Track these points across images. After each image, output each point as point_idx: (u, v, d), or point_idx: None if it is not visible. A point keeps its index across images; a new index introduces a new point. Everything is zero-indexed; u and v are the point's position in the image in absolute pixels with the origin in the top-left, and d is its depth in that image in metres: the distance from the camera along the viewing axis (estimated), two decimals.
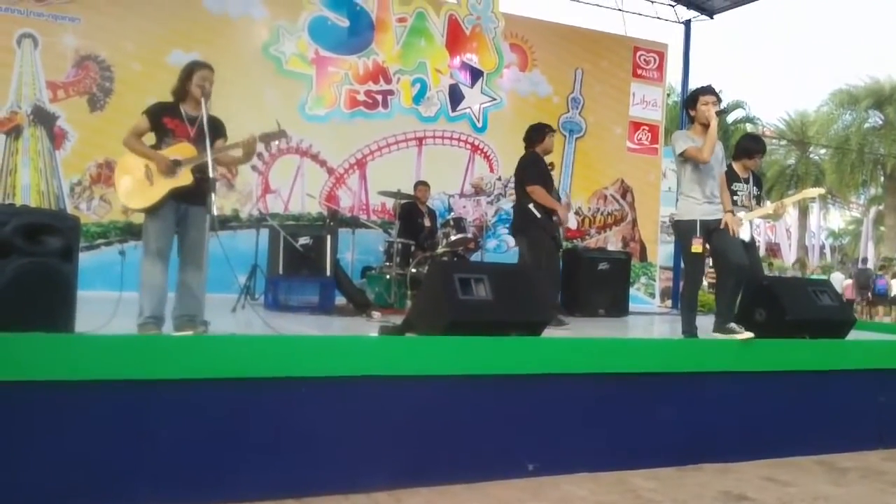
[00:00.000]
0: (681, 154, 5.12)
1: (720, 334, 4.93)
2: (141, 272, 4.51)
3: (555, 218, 6.51)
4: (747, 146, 6.11)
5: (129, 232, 7.59)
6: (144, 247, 4.57)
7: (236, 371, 3.47)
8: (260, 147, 8.16)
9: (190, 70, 4.59)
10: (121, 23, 7.94)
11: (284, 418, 3.58)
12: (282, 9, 8.75)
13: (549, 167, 6.91)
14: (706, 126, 5.12)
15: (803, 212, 35.05)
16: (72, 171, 7.77)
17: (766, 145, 6.54)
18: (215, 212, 4.37)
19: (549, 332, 4.59)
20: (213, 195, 4.32)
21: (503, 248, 9.81)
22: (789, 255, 35.49)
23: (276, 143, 8.29)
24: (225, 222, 8.00)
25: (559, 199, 6.71)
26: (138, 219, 4.82)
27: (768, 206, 6.05)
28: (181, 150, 4.50)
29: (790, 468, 4.60)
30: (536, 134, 6.81)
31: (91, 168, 7.80)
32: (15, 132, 7.55)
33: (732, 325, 4.93)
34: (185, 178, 4.45)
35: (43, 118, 7.66)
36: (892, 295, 20.04)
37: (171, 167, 4.44)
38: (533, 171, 6.62)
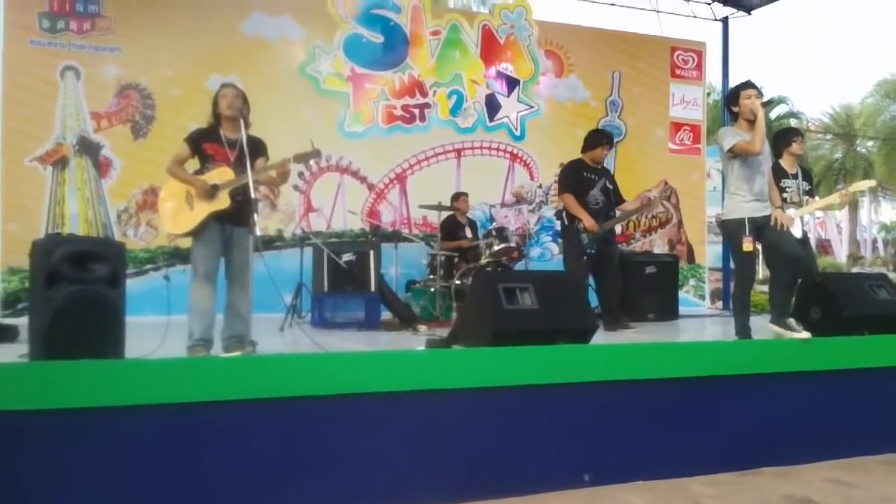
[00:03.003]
0: (730, 150, 5.00)
1: (778, 327, 4.81)
2: (190, 296, 4.57)
3: (579, 225, 6.52)
4: (783, 136, 6.10)
5: (177, 256, 7.67)
6: (192, 270, 4.64)
7: (286, 390, 3.47)
8: (300, 167, 8.33)
9: (215, 95, 4.75)
10: (160, 50, 8.06)
11: (334, 436, 3.57)
12: (317, 29, 8.81)
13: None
14: (751, 122, 5.03)
15: (853, 206, 34.29)
16: (118, 198, 7.89)
17: (801, 130, 6.54)
18: (258, 232, 4.42)
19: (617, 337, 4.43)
20: (255, 216, 4.37)
21: (547, 256, 9.73)
22: (841, 251, 34.74)
23: (313, 162, 8.35)
24: (269, 243, 8.07)
25: (601, 204, 6.69)
26: (185, 243, 4.88)
27: (832, 197, 6.02)
28: (219, 174, 4.58)
29: (854, 469, 4.46)
30: (589, 141, 6.96)
31: (136, 195, 7.92)
32: (61, 163, 7.69)
33: (791, 320, 4.81)
34: (222, 201, 4.51)
35: (88, 148, 7.80)
36: None
37: (210, 191, 4.49)
38: (564, 179, 6.91)
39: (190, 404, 3.29)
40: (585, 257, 6.54)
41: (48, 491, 3.08)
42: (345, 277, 6.99)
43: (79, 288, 3.46)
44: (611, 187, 6.88)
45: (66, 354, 3.19)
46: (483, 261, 7.44)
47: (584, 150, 6.95)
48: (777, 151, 5.99)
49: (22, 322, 4.81)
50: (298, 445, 3.50)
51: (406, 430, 3.69)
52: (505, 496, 3.76)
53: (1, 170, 7.52)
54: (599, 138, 6.96)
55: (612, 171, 7.66)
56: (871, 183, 5.96)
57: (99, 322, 3.49)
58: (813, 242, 6.17)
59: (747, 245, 4.93)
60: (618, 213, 7.00)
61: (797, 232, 5.58)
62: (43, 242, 3.64)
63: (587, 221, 6.49)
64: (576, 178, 6.75)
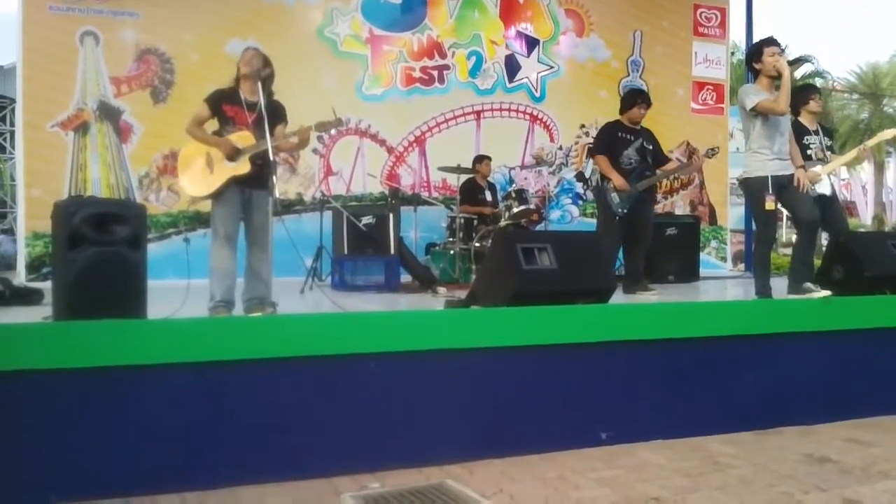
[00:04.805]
0: (752, 108, 4.93)
1: (795, 295, 4.78)
2: (210, 258, 4.61)
3: (608, 185, 6.52)
4: (800, 93, 5.99)
5: (198, 220, 7.71)
6: (213, 233, 4.68)
7: (306, 349, 3.49)
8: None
9: (239, 58, 4.78)
10: (178, 15, 8.05)
11: (356, 394, 3.59)
12: None
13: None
14: (772, 79, 4.95)
15: (879, 167, 33.75)
16: (139, 163, 7.93)
17: (819, 88, 6.44)
18: (277, 194, 4.44)
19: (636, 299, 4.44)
20: (274, 178, 4.38)
21: (567, 218, 9.69)
22: (866, 213, 34.27)
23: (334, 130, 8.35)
24: (289, 206, 8.09)
25: (635, 163, 6.63)
26: (206, 207, 4.92)
27: (851, 152, 5.94)
28: (240, 138, 4.59)
29: (873, 428, 4.44)
30: (625, 101, 6.96)
31: (157, 160, 7.96)
32: (83, 129, 7.73)
33: (807, 284, 4.78)
34: (243, 166, 4.53)
35: (108, 113, 7.83)
36: None
37: (234, 151, 4.52)
38: (598, 141, 6.93)
39: (211, 363, 3.32)
40: (618, 218, 6.48)
41: (70, 449, 3.13)
42: (365, 240, 7.02)
43: (100, 249, 3.48)
44: (650, 147, 6.75)
45: (89, 315, 3.23)
46: (502, 223, 7.42)
47: (621, 112, 6.88)
48: (795, 110, 5.89)
49: (46, 286, 4.88)
50: (318, 404, 3.53)
51: (425, 389, 3.71)
52: (523, 454, 3.78)
53: (23, 136, 7.60)
54: (634, 97, 6.86)
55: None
56: (895, 131, 5.88)
57: (121, 283, 3.52)
58: None
59: (769, 204, 4.88)
60: (658, 172, 6.88)
61: (826, 189, 5.53)
62: (64, 204, 3.66)
63: (616, 181, 6.42)
64: (610, 139, 6.69)
